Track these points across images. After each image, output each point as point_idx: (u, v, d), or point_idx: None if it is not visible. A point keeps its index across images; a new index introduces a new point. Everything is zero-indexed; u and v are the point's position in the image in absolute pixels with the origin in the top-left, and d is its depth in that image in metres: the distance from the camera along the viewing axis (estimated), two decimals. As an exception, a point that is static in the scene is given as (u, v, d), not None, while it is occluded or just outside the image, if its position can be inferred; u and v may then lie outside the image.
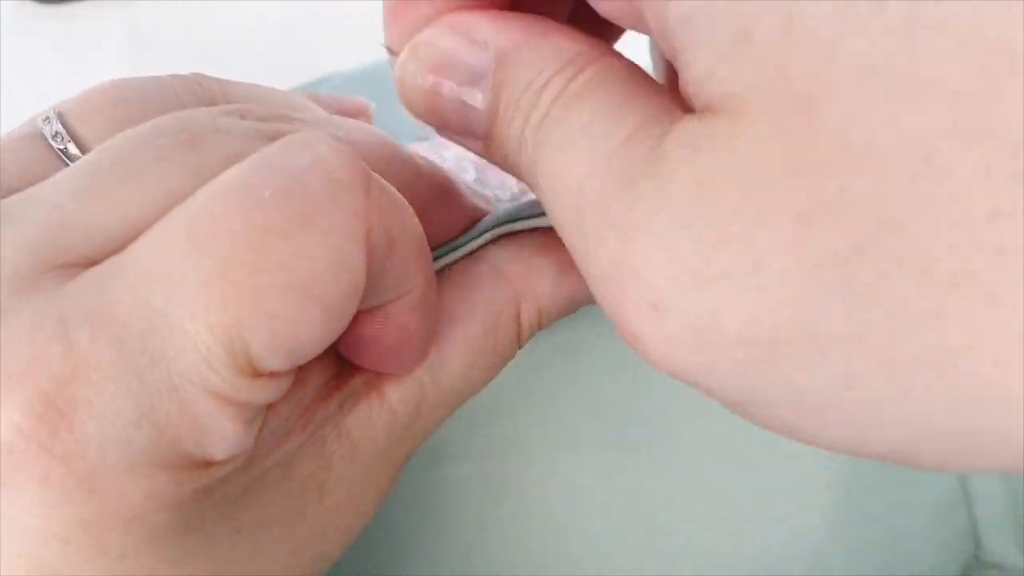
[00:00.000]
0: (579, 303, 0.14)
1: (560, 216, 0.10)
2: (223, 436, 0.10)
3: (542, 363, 0.25)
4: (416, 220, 0.11)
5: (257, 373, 0.09)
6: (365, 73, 0.21)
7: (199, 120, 0.11)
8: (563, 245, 0.13)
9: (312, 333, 0.09)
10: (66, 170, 0.10)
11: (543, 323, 0.14)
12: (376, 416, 0.12)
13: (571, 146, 0.10)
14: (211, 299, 0.09)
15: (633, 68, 0.10)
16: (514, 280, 0.13)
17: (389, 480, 0.13)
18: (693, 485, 0.24)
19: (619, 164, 0.09)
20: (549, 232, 0.13)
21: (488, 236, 0.13)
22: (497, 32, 0.11)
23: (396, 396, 0.12)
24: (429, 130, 0.19)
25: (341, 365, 0.13)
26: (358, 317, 0.11)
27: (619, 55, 0.11)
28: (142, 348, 0.09)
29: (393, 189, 0.11)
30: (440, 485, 0.25)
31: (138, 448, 0.09)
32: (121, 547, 0.09)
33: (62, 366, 0.09)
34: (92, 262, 0.10)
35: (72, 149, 0.11)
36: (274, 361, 0.09)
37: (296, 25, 0.30)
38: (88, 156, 0.10)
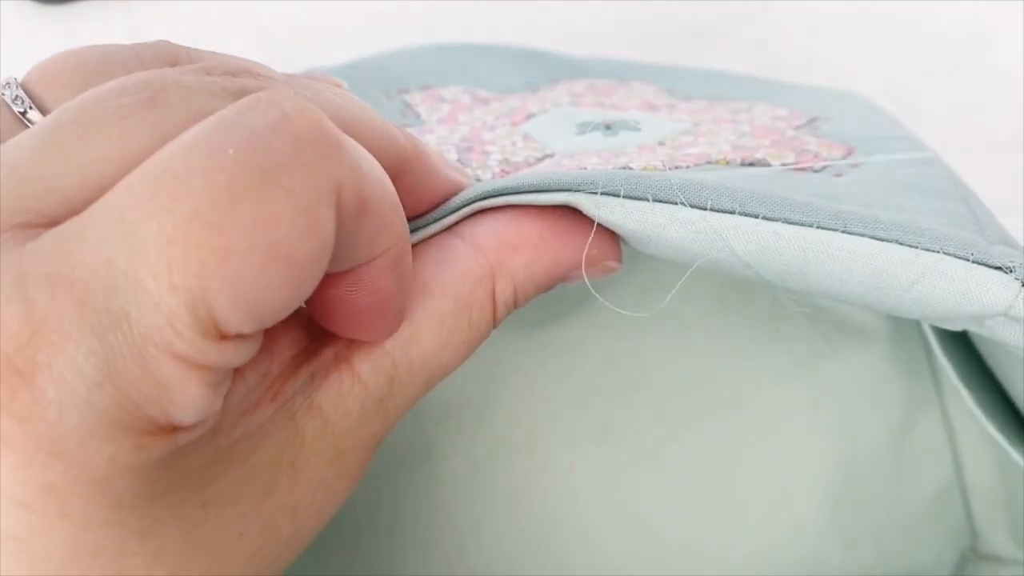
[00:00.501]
0: (556, 279, 0.14)
1: None
2: (188, 400, 0.09)
3: (532, 359, 0.25)
4: (389, 182, 0.11)
5: (222, 335, 0.09)
6: (348, 67, 0.21)
7: (162, 78, 0.10)
8: (540, 221, 0.13)
9: (279, 295, 0.09)
10: (26, 131, 0.10)
11: (519, 301, 0.13)
12: (347, 390, 0.12)
13: None
14: (174, 259, 0.09)
15: None
16: (489, 255, 0.13)
17: (363, 460, 0.13)
18: (686, 479, 0.24)
19: None
20: (526, 208, 0.13)
21: (466, 211, 0.13)
22: None
23: (366, 369, 0.12)
24: (412, 117, 0.19)
25: (311, 338, 0.12)
26: (330, 280, 0.11)
27: None
28: (104, 308, 0.09)
29: (364, 150, 0.10)
30: (432, 482, 0.24)
31: (100, 411, 0.09)
32: (84, 515, 0.09)
33: (21, 327, 0.09)
34: (53, 222, 0.09)
35: (33, 114, 0.11)
36: (240, 323, 0.09)
37: (296, 26, 0.30)
38: (48, 116, 0.10)
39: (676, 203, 0.12)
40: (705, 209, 0.12)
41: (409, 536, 0.24)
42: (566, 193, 0.13)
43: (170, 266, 0.09)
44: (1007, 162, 0.31)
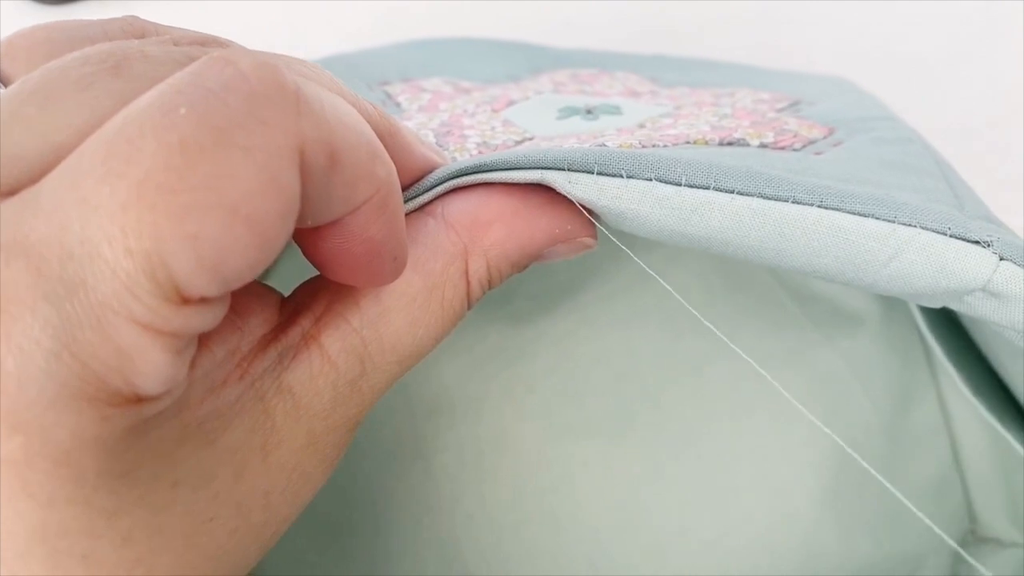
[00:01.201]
0: (530, 257, 0.14)
1: None
2: (151, 368, 0.09)
3: (523, 353, 0.25)
4: (365, 127, 0.11)
5: (184, 299, 0.09)
6: (330, 60, 0.21)
7: (126, 48, 0.10)
8: (512, 198, 0.13)
9: (242, 256, 0.09)
10: None
11: (493, 280, 0.13)
12: (317, 371, 0.12)
13: None
14: (128, 223, 0.08)
15: None
16: (461, 233, 0.13)
17: (339, 445, 0.13)
18: (679, 469, 0.24)
19: None
20: (499, 186, 0.13)
21: (440, 189, 0.13)
22: None
23: (336, 348, 0.12)
24: (392, 106, 0.19)
25: (282, 318, 0.12)
26: (318, 233, 0.11)
27: None
28: (60, 276, 0.09)
29: (333, 97, 0.10)
30: (425, 477, 0.24)
31: (60, 382, 0.09)
32: (48, 492, 0.09)
33: None
34: (14, 191, 0.09)
35: None
36: (202, 286, 0.09)
37: (297, 26, 0.30)
38: (11, 87, 0.10)
39: (650, 179, 0.12)
40: (680, 185, 0.12)
41: (402, 531, 0.24)
42: (539, 171, 0.13)
43: (124, 230, 0.08)
44: (1008, 162, 0.31)
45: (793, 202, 0.12)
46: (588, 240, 0.14)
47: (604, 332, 0.24)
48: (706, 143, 0.15)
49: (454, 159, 0.15)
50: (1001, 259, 0.12)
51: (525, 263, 0.14)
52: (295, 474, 0.12)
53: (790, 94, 0.20)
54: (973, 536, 0.24)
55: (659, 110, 0.18)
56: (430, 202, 0.13)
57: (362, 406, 0.12)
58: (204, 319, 0.10)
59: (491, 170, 0.13)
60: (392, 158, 0.12)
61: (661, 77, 0.22)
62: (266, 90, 0.09)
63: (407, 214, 0.13)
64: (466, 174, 0.13)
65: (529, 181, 0.13)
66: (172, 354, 0.09)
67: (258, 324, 0.12)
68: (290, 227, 0.09)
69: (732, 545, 0.23)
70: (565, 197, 0.13)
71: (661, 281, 0.15)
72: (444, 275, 0.13)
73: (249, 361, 0.11)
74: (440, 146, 0.16)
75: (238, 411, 0.11)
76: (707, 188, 0.12)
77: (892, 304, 0.24)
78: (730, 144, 0.15)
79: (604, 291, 0.24)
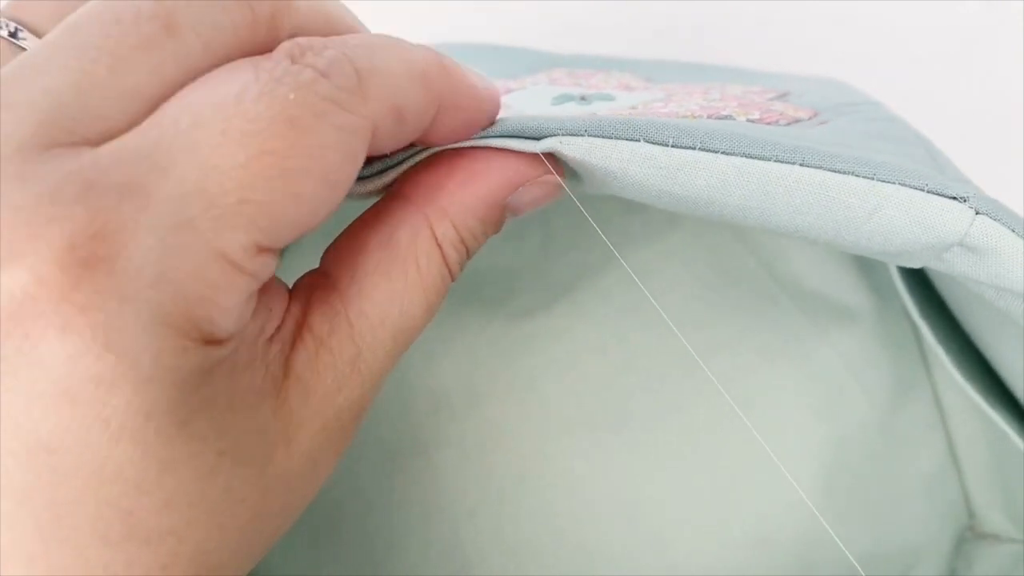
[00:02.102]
0: (497, 206, 0.14)
1: None
2: (230, 302, 0.11)
3: (522, 348, 0.25)
4: (415, 65, 0.12)
5: (266, 247, 0.11)
6: None
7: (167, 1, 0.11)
8: (465, 158, 0.14)
9: (320, 211, 0.11)
10: (38, 53, 0.11)
11: (466, 239, 0.14)
12: (313, 354, 0.13)
13: None
14: (245, 179, 0.10)
15: None
16: (416, 201, 0.13)
17: (346, 432, 0.13)
18: (678, 461, 0.24)
19: None
20: (452, 151, 0.13)
21: (422, 156, 0.13)
22: None
23: (325, 331, 0.13)
24: None
25: (273, 307, 0.13)
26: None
27: None
28: (170, 215, 0.10)
29: (387, 61, 0.12)
30: (426, 472, 0.24)
31: (155, 306, 0.10)
32: (120, 421, 0.10)
33: (87, 224, 0.10)
34: (95, 144, 0.11)
35: (26, 36, 0.12)
36: (290, 235, 0.11)
37: None
38: (61, 37, 0.11)
39: (638, 140, 0.13)
40: (667, 145, 0.13)
41: (404, 526, 0.24)
42: (532, 141, 0.13)
43: (241, 184, 0.10)
44: (1007, 162, 0.31)
45: (776, 160, 0.12)
46: (553, 178, 0.14)
47: (602, 326, 0.25)
48: (694, 118, 0.16)
49: None
50: (977, 213, 0.12)
51: (495, 217, 0.14)
52: (310, 462, 0.12)
53: (779, 89, 0.21)
54: (972, 532, 0.23)
55: (651, 96, 0.18)
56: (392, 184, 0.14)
57: (364, 388, 0.13)
58: (269, 268, 0.11)
59: (487, 137, 0.13)
60: (446, 95, 0.13)
61: (655, 76, 0.23)
62: (344, 83, 0.11)
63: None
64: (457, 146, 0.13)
65: (524, 149, 0.13)
66: (245, 295, 0.11)
67: (276, 311, 0.13)
68: (348, 187, 0.12)
69: (730, 537, 0.23)
70: (513, 153, 0.13)
71: (625, 264, 0.15)
72: (412, 245, 0.13)
73: (267, 346, 0.12)
74: None
75: (265, 392, 0.12)
76: (693, 148, 0.13)
77: (886, 299, 0.24)
78: (718, 119, 0.16)
79: (602, 286, 0.25)
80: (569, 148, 0.13)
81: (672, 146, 0.13)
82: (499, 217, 0.14)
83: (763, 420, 0.24)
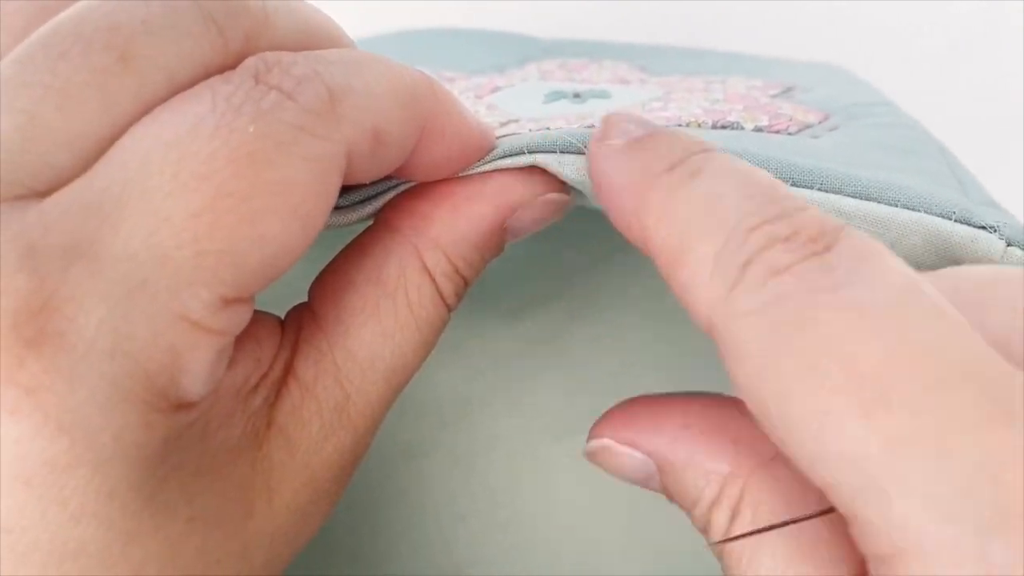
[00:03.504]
0: (493, 232, 0.13)
1: None
2: (197, 366, 0.10)
3: (515, 351, 0.24)
4: (399, 82, 0.11)
5: (233, 299, 0.10)
6: None
7: (125, 24, 0.10)
8: (456, 181, 0.13)
9: (295, 248, 0.10)
10: None
11: (461, 269, 0.13)
12: (298, 402, 0.12)
13: None
14: (201, 229, 0.09)
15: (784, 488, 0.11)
16: (404, 231, 0.12)
17: (339, 482, 0.12)
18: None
19: None
20: (436, 182, 0.13)
21: (393, 192, 0.13)
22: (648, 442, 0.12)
23: (310, 376, 0.12)
24: None
25: (269, 355, 0.12)
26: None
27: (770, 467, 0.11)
28: (121, 278, 0.09)
29: (364, 78, 0.11)
30: (416, 478, 0.24)
31: (111, 382, 0.09)
32: (80, 502, 0.09)
33: (31, 296, 0.09)
34: (43, 194, 0.10)
35: None
36: (260, 282, 0.10)
37: None
38: (9, 70, 0.10)
39: None
40: None
41: (394, 533, 0.24)
42: (530, 155, 0.12)
43: (197, 235, 0.09)
44: (1007, 161, 0.30)
45: (792, 184, 0.12)
46: (555, 195, 0.13)
47: (597, 329, 0.24)
48: (699, 126, 0.15)
49: None
50: (1008, 245, 0.11)
51: (493, 242, 0.13)
52: (297, 515, 0.12)
53: (783, 81, 0.19)
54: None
55: (649, 94, 0.17)
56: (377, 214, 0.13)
57: (355, 435, 0.12)
58: (241, 319, 0.10)
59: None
60: (432, 119, 0.12)
61: (651, 66, 0.22)
62: (314, 105, 0.10)
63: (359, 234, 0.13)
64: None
65: (520, 166, 0.12)
66: (215, 353, 0.10)
67: (265, 357, 0.12)
68: (326, 218, 0.11)
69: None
70: (510, 171, 0.12)
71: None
72: (401, 279, 0.12)
73: (247, 397, 0.11)
74: None
75: (243, 447, 0.11)
76: None
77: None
78: (724, 127, 0.15)
79: (595, 287, 0.24)
80: (569, 168, 0.12)
81: None
82: (498, 242, 0.13)
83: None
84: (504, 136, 0.13)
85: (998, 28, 0.32)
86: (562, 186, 0.13)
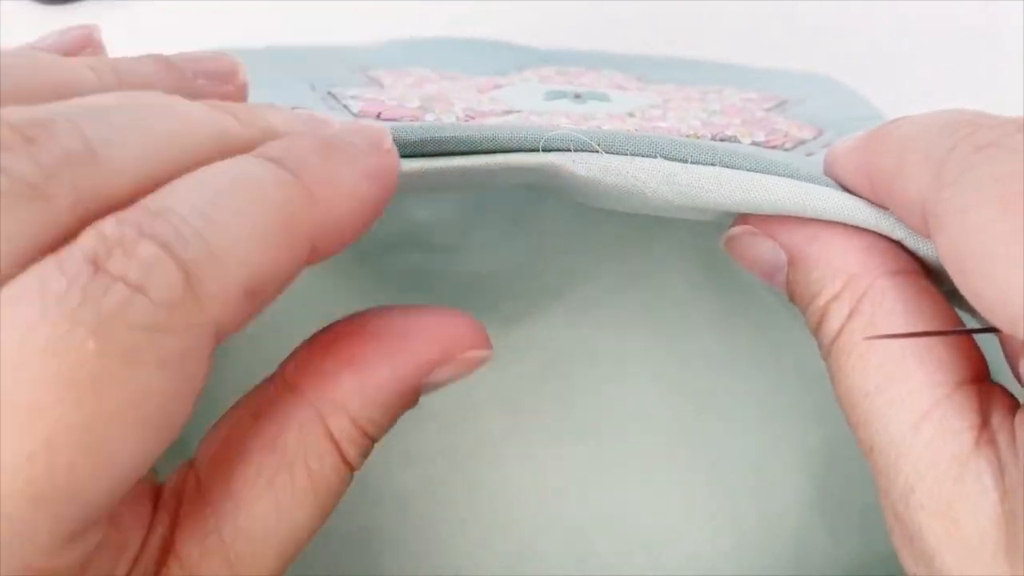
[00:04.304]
0: (407, 392, 0.12)
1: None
2: None
3: (512, 356, 0.24)
4: (273, 214, 0.09)
5: (80, 531, 0.08)
6: (315, 49, 0.20)
7: None
8: (364, 332, 0.11)
9: (156, 453, 0.09)
10: None
11: (370, 430, 0.12)
12: None
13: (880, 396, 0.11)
14: (37, 473, 0.08)
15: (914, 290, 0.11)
16: (306, 393, 0.11)
17: None
18: (669, 469, 0.23)
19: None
20: (339, 326, 0.12)
21: (418, 165, 0.12)
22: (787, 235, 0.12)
23: (195, 555, 0.10)
24: (375, 86, 0.18)
25: (126, 541, 0.11)
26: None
27: (901, 275, 0.12)
28: None
29: (238, 230, 0.09)
30: (416, 484, 0.24)
31: None
32: None
33: None
34: None
35: None
36: (113, 501, 0.08)
37: (296, 26, 0.30)
38: None
39: (655, 156, 0.12)
40: (686, 162, 0.12)
41: (394, 539, 0.24)
42: (543, 154, 0.12)
43: (32, 478, 0.08)
44: None
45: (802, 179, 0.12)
46: (479, 353, 0.12)
47: (592, 334, 0.24)
48: (698, 138, 0.15)
49: (439, 119, 0.15)
50: None
51: (406, 401, 0.12)
52: None
53: (776, 93, 0.20)
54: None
55: (647, 100, 0.18)
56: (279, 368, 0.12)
57: None
58: (93, 538, 0.09)
59: (480, 150, 0.12)
60: (321, 227, 0.10)
61: (647, 75, 0.22)
62: (168, 296, 0.08)
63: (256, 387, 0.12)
64: (451, 152, 0.12)
65: (531, 165, 0.12)
66: None
67: (134, 538, 0.10)
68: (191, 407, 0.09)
69: (722, 545, 0.23)
70: (426, 321, 0.12)
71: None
72: (301, 447, 0.11)
73: None
74: (425, 109, 0.15)
75: None
76: (713, 165, 0.12)
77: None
78: (722, 141, 0.15)
79: (592, 292, 0.24)
80: (583, 168, 0.12)
81: (691, 162, 0.12)
82: (412, 399, 0.12)
83: (756, 424, 0.23)
84: (500, 122, 0.13)
85: (998, 28, 0.32)
86: (485, 342, 0.12)
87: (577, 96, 0.18)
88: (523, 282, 0.24)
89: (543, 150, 0.12)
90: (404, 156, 0.12)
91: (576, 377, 0.24)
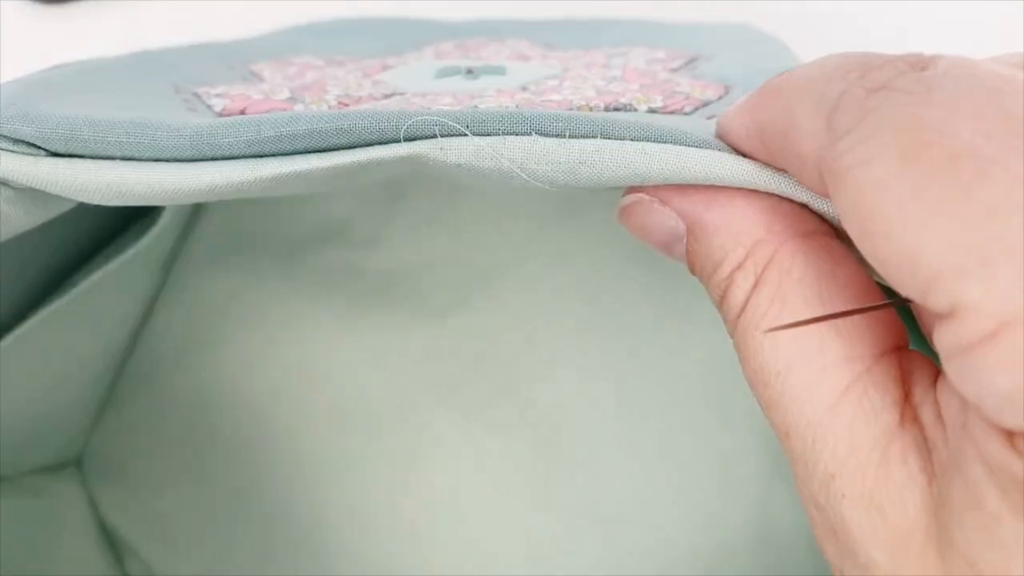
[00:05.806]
0: None
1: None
2: None
3: (445, 352, 0.23)
4: None
5: None
6: (194, 47, 0.19)
7: None
8: None
9: None
10: None
11: None
12: None
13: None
14: None
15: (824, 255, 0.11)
16: None
17: None
18: (622, 449, 0.23)
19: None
20: None
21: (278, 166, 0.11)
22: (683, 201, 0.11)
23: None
24: (255, 80, 0.17)
25: None
26: None
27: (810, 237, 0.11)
28: None
29: None
30: (360, 488, 0.23)
31: None
32: None
33: None
34: None
35: None
36: None
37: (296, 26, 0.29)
38: None
39: (530, 134, 0.11)
40: (564, 137, 0.11)
41: (343, 544, 0.23)
42: (405, 144, 0.11)
43: None
44: None
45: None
46: None
47: (526, 320, 0.23)
48: (591, 109, 0.14)
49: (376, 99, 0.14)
50: None
51: None
52: None
53: (689, 50, 0.19)
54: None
55: (547, 71, 0.17)
56: None
57: None
58: None
59: (335, 145, 0.11)
60: None
61: (556, 41, 0.21)
62: None
63: None
64: (307, 149, 0.11)
65: (393, 158, 0.11)
66: None
67: None
68: None
69: (680, 518, 0.22)
70: None
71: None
72: None
73: None
74: (295, 99, 0.14)
75: None
76: (594, 137, 0.11)
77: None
78: (616, 110, 0.14)
79: (522, 276, 0.23)
80: (453, 155, 0.11)
81: (570, 136, 0.11)
82: None
83: (706, 392, 0.23)
84: (362, 110, 0.12)
85: (998, 29, 0.31)
86: None
87: (469, 71, 0.16)
88: (447, 271, 0.23)
89: (405, 139, 0.11)
90: (260, 156, 0.11)
91: (515, 364, 0.23)
